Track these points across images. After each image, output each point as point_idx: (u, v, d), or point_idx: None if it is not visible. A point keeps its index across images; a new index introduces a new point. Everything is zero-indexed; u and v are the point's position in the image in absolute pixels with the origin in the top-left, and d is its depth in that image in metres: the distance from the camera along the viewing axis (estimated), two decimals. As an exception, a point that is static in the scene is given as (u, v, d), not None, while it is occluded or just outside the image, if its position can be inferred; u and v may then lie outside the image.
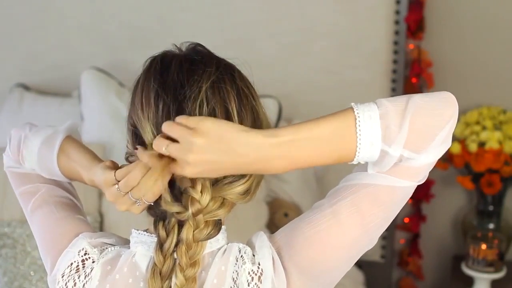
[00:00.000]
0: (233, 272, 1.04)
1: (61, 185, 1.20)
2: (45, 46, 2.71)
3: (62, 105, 2.57)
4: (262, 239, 1.06)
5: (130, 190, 1.02)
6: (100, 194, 2.26)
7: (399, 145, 0.96)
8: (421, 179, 1.02)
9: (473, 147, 2.48)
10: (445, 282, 2.79)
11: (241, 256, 1.05)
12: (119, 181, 1.02)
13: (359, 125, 0.95)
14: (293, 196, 2.49)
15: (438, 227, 2.79)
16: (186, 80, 1.03)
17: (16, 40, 2.73)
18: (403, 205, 1.05)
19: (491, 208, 2.60)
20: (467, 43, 2.60)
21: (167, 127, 0.97)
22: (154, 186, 1.00)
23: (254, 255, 1.05)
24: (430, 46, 2.59)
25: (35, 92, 2.67)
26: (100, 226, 2.22)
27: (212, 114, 1.01)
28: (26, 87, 2.69)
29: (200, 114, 1.01)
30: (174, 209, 1.02)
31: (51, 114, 2.52)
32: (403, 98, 0.98)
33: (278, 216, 2.43)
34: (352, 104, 0.97)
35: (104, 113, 2.45)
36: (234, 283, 1.03)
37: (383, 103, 0.97)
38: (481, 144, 2.50)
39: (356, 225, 1.01)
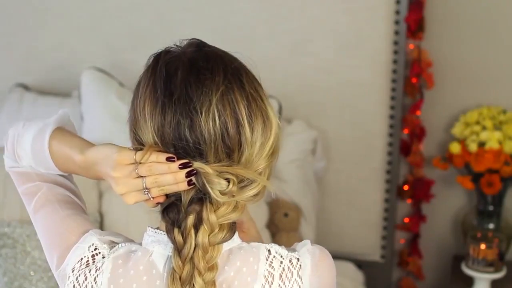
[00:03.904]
0: (266, 264, 1.06)
1: (62, 184, 1.20)
2: (45, 46, 2.71)
3: (62, 105, 2.57)
4: (305, 242, 1.11)
5: (148, 176, 1.03)
6: (100, 194, 2.25)
7: None
8: None
9: (473, 147, 2.49)
10: (445, 282, 2.79)
11: (268, 250, 1.08)
12: (137, 163, 1.03)
13: None
14: (293, 196, 2.48)
15: (438, 227, 2.79)
16: (195, 92, 1.03)
17: (16, 40, 2.73)
18: None
19: (491, 208, 2.60)
20: (467, 43, 2.60)
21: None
22: (174, 186, 1.03)
23: (288, 252, 1.09)
24: (430, 46, 2.59)
25: (35, 92, 2.67)
26: (100, 226, 2.21)
27: (224, 127, 1.02)
28: (26, 87, 2.69)
29: (214, 128, 1.02)
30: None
31: (51, 114, 2.51)
32: None
33: (278, 216, 2.43)
34: None
35: (104, 113, 2.45)
36: (266, 280, 1.06)
37: None
38: (481, 144, 2.50)
39: None
